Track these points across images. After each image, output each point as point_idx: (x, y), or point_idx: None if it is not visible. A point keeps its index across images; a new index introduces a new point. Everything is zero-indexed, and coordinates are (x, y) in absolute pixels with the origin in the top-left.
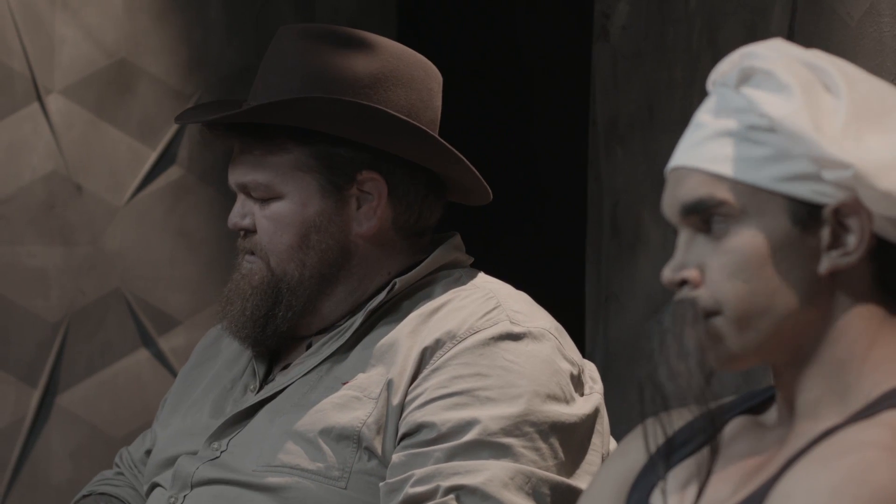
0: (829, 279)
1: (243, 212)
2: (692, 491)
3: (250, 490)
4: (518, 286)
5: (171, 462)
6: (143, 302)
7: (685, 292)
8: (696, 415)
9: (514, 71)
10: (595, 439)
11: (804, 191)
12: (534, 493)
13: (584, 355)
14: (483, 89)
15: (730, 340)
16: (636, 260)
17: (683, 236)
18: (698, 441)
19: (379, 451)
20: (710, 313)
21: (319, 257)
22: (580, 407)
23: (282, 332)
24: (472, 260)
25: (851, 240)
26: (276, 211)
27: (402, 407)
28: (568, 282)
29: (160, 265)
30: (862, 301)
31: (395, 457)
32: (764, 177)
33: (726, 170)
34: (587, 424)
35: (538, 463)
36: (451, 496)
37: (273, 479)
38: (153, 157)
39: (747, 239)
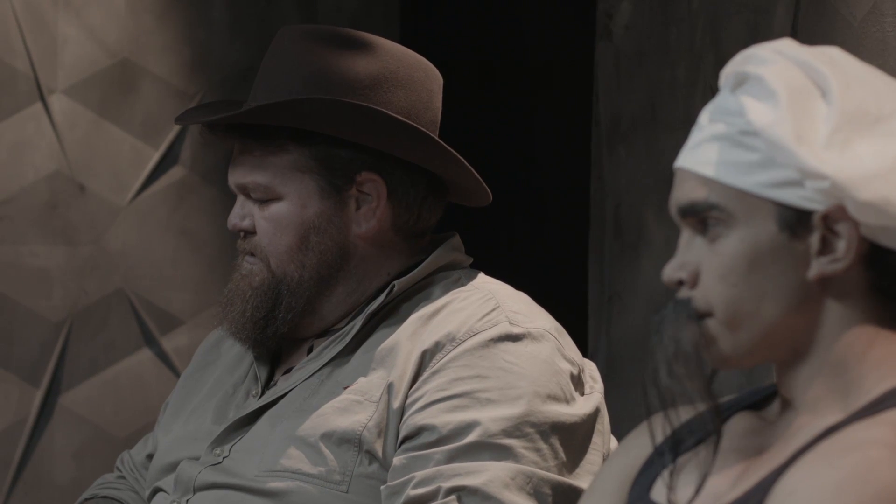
0: (820, 284)
1: (243, 213)
2: (692, 484)
3: (252, 495)
4: (520, 286)
5: (173, 467)
6: (146, 302)
7: (683, 292)
8: (698, 412)
9: (516, 70)
10: (596, 439)
11: (792, 197)
12: (535, 494)
13: (587, 355)
14: (485, 88)
15: (721, 342)
16: (639, 259)
17: (684, 236)
18: (699, 436)
19: (380, 454)
20: (703, 315)
21: (319, 258)
22: (581, 407)
23: (282, 333)
24: (471, 260)
25: (841, 246)
26: (275, 212)
27: (402, 410)
28: (570, 282)
29: (163, 265)
30: (856, 306)
31: (396, 460)
32: (753, 182)
33: (718, 174)
34: (588, 424)
35: (539, 463)
36: (453, 497)
37: (275, 484)
38: (156, 156)
39: (736, 243)
